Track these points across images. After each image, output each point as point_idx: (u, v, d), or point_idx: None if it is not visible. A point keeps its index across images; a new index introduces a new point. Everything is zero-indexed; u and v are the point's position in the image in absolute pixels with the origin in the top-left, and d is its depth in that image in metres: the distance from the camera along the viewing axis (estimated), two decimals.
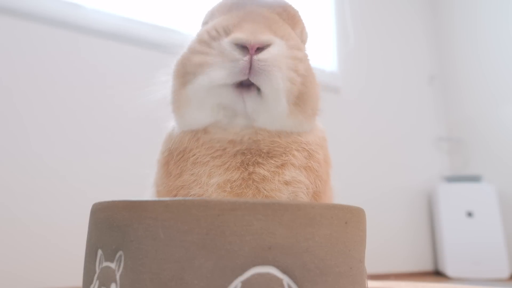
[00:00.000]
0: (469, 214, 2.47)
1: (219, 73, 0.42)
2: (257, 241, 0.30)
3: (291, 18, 0.51)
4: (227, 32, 0.44)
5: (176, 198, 0.33)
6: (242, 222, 0.31)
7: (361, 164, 2.43)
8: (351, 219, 0.36)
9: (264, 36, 0.42)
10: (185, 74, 0.46)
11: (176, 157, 0.49)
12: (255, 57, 0.41)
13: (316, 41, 2.57)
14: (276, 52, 0.42)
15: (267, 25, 0.45)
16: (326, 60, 2.56)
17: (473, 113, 2.89)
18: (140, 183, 0.59)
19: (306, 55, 0.49)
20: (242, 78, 0.42)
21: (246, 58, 0.41)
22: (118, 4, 1.81)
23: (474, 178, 2.61)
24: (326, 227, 0.34)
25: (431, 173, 2.85)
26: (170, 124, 0.54)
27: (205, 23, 0.53)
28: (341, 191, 0.62)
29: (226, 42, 0.43)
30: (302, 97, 0.46)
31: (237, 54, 0.42)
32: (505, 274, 2.34)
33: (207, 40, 0.45)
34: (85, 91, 1.62)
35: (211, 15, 0.52)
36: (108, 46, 1.71)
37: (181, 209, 0.31)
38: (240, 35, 0.42)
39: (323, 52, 2.58)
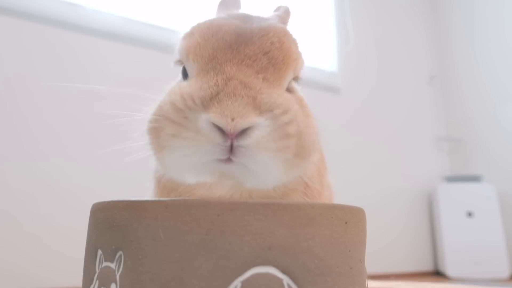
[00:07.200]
0: (469, 214, 2.47)
1: (196, 154, 0.39)
2: (257, 241, 0.30)
3: (279, 67, 0.44)
4: (204, 105, 0.39)
5: (176, 198, 0.33)
6: (242, 222, 0.31)
7: (360, 164, 2.43)
8: (351, 219, 0.36)
9: (244, 121, 0.38)
10: (160, 142, 0.42)
11: (162, 187, 0.50)
12: (236, 142, 0.38)
13: (316, 41, 2.57)
14: (259, 135, 0.39)
15: (250, 99, 0.40)
16: (326, 60, 2.56)
17: (473, 113, 2.89)
18: (139, 184, 0.59)
19: (296, 112, 0.43)
20: (223, 158, 0.39)
21: (228, 143, 0.38)
22: (118, 4, 1.81)
23: (474, 178, 2.61)
24: (326, 227, 0.34)
25: (431, 173, 2.85)
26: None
27: (180, 60, 0.48)
28: (340, 191, 0.62)
29: (203, 120, 0.39)
30: (302, 148, 0.43)
31: (216, 136, 0.38)
32: (505, 274, 2.34)
33: (183, 108, 0.41)
34: (84, 91, 1.62)
35: (187, 53, 0.45)
36: (107, 46, 1.71)
37: (181, 209, 0.31)
38: (219, 119, 0.38)
39: (323, 52, 2.58)
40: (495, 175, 2.64)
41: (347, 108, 2.46)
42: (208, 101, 0.39)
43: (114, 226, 0.34)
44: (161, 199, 0.32)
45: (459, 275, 2.36)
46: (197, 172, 0.42)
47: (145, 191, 0.57)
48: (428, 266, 2.64)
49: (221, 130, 0.38)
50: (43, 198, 1.46)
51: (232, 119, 0.38)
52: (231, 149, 0.38)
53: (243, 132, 0.38)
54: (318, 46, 2.56)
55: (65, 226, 1.46)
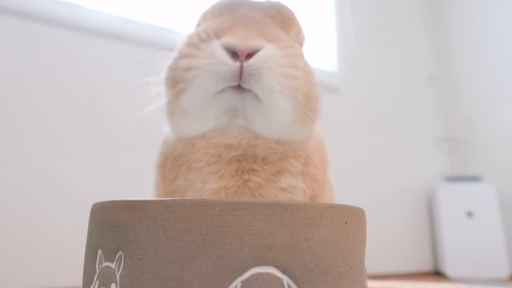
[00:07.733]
0: (469, 214, 2.47)
1: (210, 80, 0.41)
2: (257, 241, 0.30)
3: (285, 20, 0.49)
4: (217, 36, 0.43)
5: (176, 198, 0.33)
6: (242, 222, 0.31)
7: (360, 164, 2.43)
8: (351, 219, 0.36)
9: (254, 42, 0.41)
10: (176, 82, 0.44)
11: (171, 162, 0.49)
12: (245, 63, 0.40)
13: (316, 41, 2.57)
14: (265, 55, 0.41)
15: (259, 30, 0.44)
16: (326, 60, 2.56)
17: (473, 113, 2.89)
18: (138, 184, 0.59)
19: (301, 53, 0.47)
20: (234, 84, 0.41)
21: (237, 64, 0.40)
22: (117, 4, 1.81)
23: (474, 178, 2.61)
24: (326, 227, 0.34)
25: (431, 173, 2.85)
26: (167, 128, 0.53)
27: (198, 25, 0.52)
28: (340, 191, 0.62)
29: (216, 45, 0.42)
30: (309, 96, 0.45)
31: (227, 58, 0.41)
32: (505, 274, 2.34)
33: (197, 42, 0.44)
34: (85, 91, 1.62)
35: (204, 17, 0.51)
36: (107, 46, 1.71)
37: (181, 209, 0.31)
38: (230, 40, 0.41)
39: (323, 52, 2.58)
40: (495, 175, 2.64)
41: (347, 108, 2.46)
42: (221, 33, 0.43)
43: (114, 226, 0.34)
44: (161, 199, 0.32)
45: (459, 275, 2.37)
46: (211, 106, 0.43)
47: (145, 191, 0.57)
48: (428, 266, 2.64)
49: (231, 53, 0.41)
50: (43, 198, 1.46)
51: (243, 39, 0.41)
52: (241, 74, 0.40)
53: (252, 55, 0.41)
54: (318, 46, 2.56)
55: (65, 226, 1.46)
